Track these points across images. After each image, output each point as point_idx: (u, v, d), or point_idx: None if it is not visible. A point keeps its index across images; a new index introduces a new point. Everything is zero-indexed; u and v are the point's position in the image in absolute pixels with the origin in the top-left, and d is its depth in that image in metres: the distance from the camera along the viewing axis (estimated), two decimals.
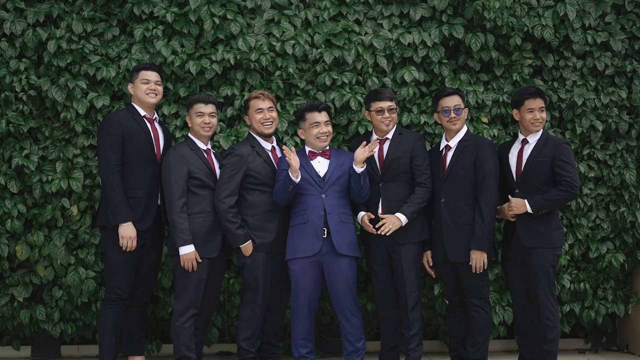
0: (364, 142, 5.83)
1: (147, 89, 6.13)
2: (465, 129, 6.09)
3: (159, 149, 6.15)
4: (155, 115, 6.24)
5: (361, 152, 5.80)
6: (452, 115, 6.00)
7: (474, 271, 5.91)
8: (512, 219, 5.95)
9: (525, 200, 5.83)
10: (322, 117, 5.98)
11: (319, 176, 5.97)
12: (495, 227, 5.98)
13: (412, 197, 5.98)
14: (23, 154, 6.58)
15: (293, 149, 5.82)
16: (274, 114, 6.13)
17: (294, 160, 5.75)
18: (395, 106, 6.09)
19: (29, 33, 6.61)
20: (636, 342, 7.14)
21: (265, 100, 6.12)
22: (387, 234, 5.93)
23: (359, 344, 5.97)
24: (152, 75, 6.16)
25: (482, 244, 5.87)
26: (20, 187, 6.60)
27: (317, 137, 5.96)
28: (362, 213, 6.06)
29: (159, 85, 6.20)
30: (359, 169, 5.82)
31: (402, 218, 5.92)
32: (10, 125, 6.57)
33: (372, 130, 6.24)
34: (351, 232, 6.00)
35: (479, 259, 5.90)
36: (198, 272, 5.94)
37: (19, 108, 6.64)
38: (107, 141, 5.99)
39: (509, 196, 5.96)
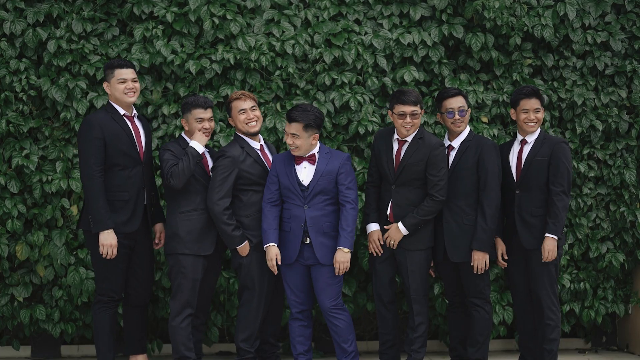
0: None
1: (124, 88, 6.10)
2: (468, 129, 6.13)
3: (142, 147, 6.18)
4: (134, 112, 6.23)
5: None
6: (457, 117, 6.04)
7: (475, 272, 5.97)
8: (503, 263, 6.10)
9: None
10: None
11: (302, 185, 5.97)
12: (496, 228, 6.06)
13: (418, 209, 5.99)
14: (23, 154, 6.65)
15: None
16: (257, 113, 6.16)
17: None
18: (420, 110, 6.03)
19: (29, 33, 6.68)
20: (636, 342, 7.18)
21: (247, 100, 6.15)
22: (394, 247, 6.00)
23: (346, 344, 6.04)
24: (128, 73, 6.12)
25: (484, 244, 5.93)
26: (20, 187, 6.67)
27: (246, 123, 6.10)
28: (372, 226, 6.12)
29: (136, 82, 6.17)
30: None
31: (402, 229, 5.96)
32: (10, 125, 6.64)
33: (394, 127, 6.21)
34: (335, 242, 6.03)
35: (481, 260, 5.95)
36: (193, 271, 6.01)
37: (19, 108, 6.70)
38: (88, 146, 5.99)
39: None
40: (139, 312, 6.33)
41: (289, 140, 5.95)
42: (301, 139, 5.91)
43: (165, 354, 7.05)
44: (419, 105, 5.99)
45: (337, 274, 5.96)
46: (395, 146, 6.07)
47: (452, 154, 6.07)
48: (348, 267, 5.95)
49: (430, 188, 5.99)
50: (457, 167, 6.03)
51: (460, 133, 6.09)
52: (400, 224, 5.96)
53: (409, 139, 6.02)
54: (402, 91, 6.09)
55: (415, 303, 6.08)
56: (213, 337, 6.92)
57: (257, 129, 6.13)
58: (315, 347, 7.03)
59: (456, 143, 6.06)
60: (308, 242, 5.93)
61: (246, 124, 6.11)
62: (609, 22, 7.16)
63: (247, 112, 6.11)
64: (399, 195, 6.02)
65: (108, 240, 5.93)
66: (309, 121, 5.90)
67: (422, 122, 6.72)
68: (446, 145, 6.10)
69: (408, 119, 5.95)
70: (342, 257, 5.90)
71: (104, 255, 5.96)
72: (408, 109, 5.94)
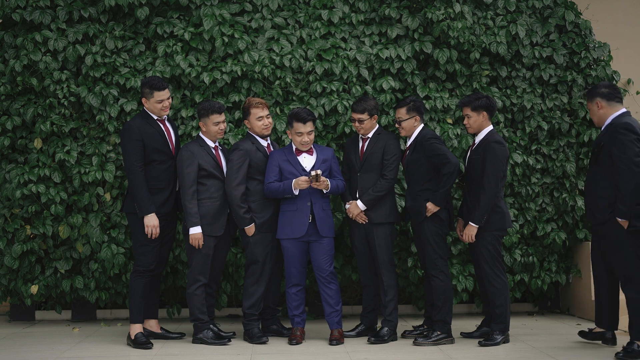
0: (308, 178, 6.24)
1: (161, 107, 6.37)
2: (417, 130, 6.40)
3: (172, 144, 6.49)
4: (164, 115, 6.45)
5: (301, 184, 6.30)
6: (396, 125, 6.48)
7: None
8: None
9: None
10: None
11: (305, 171, 6.36)
12: (444, 197, 6.27)
13: (373, 187, 6.41)
14: (65, 150, 6.99)
15: (320, 178, 6.20)
16: (270, 119, 6.54)
17: (305, 184, 6.26)
18: (366, 118, 6.39)
19: (69, 49, 7.03)
20: (575, 306, 7.62)
21: (265, 108, 6.48)
22: (358, 219, 6.44)
23: (337, 306, 6.43)
24: (165, 94, 6.34)
25: (436, 200, 6.27)
26: (62, 178, 7.02)
27: (263, 129, 6.45)
28: (347, 205, 6.54)
29: (170, 98, 6.40)
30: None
31: (360, 205, 6.43)
32: (54, 126, 6.98)
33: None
34: (330, 217, 6.44)
35: (429, 208, 6.28)
36: (205, 248, 6.34)
37: (61, 112, 7.04)
38: (130, 147, 6.28)
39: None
40: (157, 281, 6.62)
41: (305, 138, 6.32)
42: (313, 134, 6.40)
43: (183, 316, 7.54)
44: (365, 113, 6.44)
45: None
46: (360, 143, 6.58)
47: (408, 151, 6.48)
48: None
49: (383, 169, 6.44)
50: (410, 160, 6.43)
51: (410, 136, 6.45)
52: (358, 201, 6.45)
53: (370, 135, 6.53)
54: (354, 102, 6.55)
55: (384, 271, 6.44)
56: (223, 303, 7.33)
57: (270, 132, 6.58)
58: (307, 311, 7.45)
59: (408, 142, 6.53)
60: (311, 219, 6.33)
61: (263, 129, 6.51)
62: (552, 40, 7.52)
63: (264, 119, 6.48)
64: (364, 180, 6.47)
65: (152, 222, 6.29)
66: (315, 118, 6.48)
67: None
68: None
69: (357, 124, 6.50)
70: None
71: (149, 236, 6.27)
72: (356, 115, 6.48)
